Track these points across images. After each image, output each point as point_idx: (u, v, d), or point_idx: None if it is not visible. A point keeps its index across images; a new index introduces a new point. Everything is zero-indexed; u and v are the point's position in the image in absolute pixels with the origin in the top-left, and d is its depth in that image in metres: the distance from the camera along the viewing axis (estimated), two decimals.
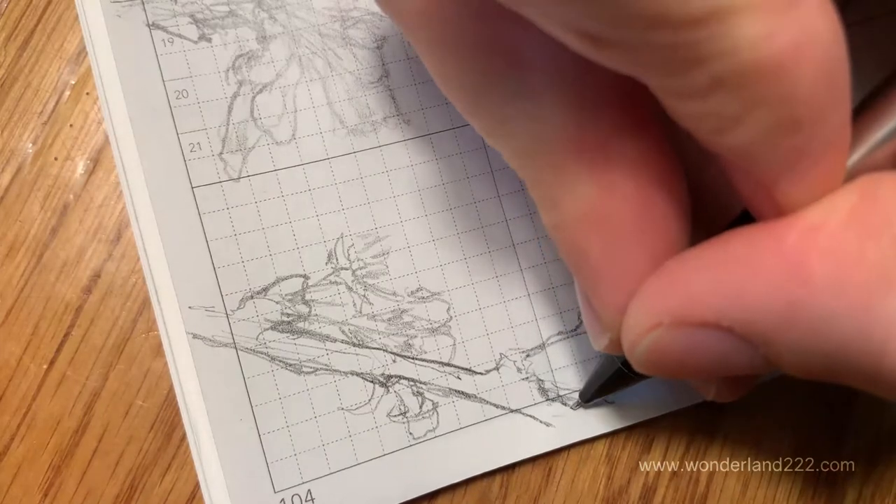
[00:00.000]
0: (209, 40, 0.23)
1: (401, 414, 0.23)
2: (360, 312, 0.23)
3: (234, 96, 0.23)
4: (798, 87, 0.12)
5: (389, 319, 0.23)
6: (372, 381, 0.23)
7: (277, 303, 0.22)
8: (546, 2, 0.12)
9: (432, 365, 0.23)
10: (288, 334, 0.22)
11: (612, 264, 0.16)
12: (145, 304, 0.22)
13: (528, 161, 0.17)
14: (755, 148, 0.13)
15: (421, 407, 0.23)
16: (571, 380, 0.24)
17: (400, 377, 0.23)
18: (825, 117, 0.13)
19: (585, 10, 0.12)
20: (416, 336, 0.23)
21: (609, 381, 0.22)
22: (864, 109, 0.15)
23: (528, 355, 0.24)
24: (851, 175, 0.14)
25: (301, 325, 0.22)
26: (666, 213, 0.16)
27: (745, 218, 0.16)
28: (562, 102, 0.16)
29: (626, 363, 0.20)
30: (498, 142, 0.17)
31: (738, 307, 0.14)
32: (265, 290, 0.22)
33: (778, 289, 0.13)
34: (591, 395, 0.23)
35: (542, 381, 0.24)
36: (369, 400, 0.22)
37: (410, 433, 0.23)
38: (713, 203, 0.18)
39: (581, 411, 0.24)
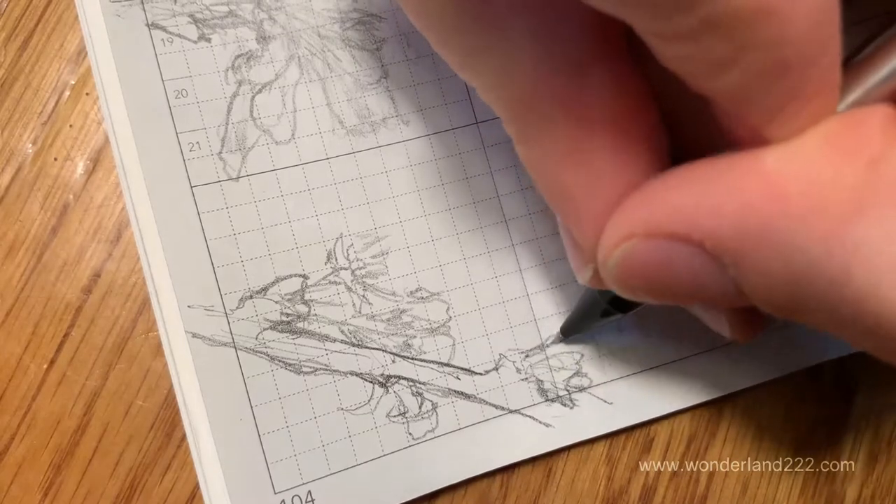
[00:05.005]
0: (209, 40, 0.23)
1: (400, 414, 0.23)
2: (360, 312, 0.23)
3: (234, 96, 0.23)
4: (790, 31, 0.12)
5: (389, 319, 0.23)
6: (371, 382, 0.23)
7: (277, 302, 0.22)
8: None
9: (431, 365, 0.23)
10: (287, 334, 0.22)
11: (591, 195, 0.16)
12: (145, 304, 0.22)
13: (502, 94, 0.16)
14: (745, 90, 0.13)
15: (420, 407, 0.23)
16: (571, 379, 0.24)
17: (399, 377, 0.23)
18: (816, 59, 0.12)
19: None
20: (415, 336, 0.23)
21: (589, 315, 0.22)
22: (858, 54, 0.15)
23: (527, 356, 0.24)
24: None
25: (300, 324, 0.22)
26: (642, 144, 0.16)
27: None
28: (530, 34, 0.15)
29: (609, 299, 0.20)
30: (470, 76, 0.17)
31: (709, 222, 0.14)
32: (264, 289, 0.22)
33: (750, 206, 0.13)
34: (571, 330, 0.23)
35: (542, 381, 0.24)
36: (369, 400, 0.23)
37: (410, 433, 0.23)
38: (692, 139, 0.17)
39: (580, 411, 0.24)
